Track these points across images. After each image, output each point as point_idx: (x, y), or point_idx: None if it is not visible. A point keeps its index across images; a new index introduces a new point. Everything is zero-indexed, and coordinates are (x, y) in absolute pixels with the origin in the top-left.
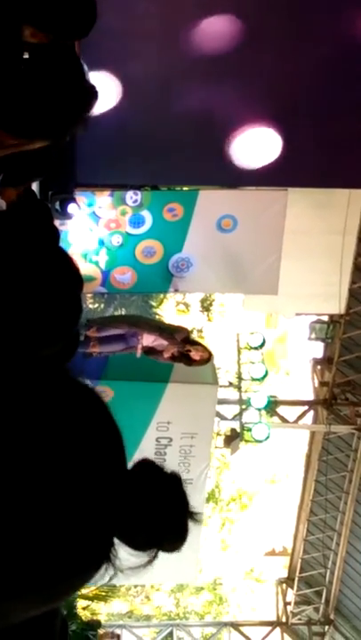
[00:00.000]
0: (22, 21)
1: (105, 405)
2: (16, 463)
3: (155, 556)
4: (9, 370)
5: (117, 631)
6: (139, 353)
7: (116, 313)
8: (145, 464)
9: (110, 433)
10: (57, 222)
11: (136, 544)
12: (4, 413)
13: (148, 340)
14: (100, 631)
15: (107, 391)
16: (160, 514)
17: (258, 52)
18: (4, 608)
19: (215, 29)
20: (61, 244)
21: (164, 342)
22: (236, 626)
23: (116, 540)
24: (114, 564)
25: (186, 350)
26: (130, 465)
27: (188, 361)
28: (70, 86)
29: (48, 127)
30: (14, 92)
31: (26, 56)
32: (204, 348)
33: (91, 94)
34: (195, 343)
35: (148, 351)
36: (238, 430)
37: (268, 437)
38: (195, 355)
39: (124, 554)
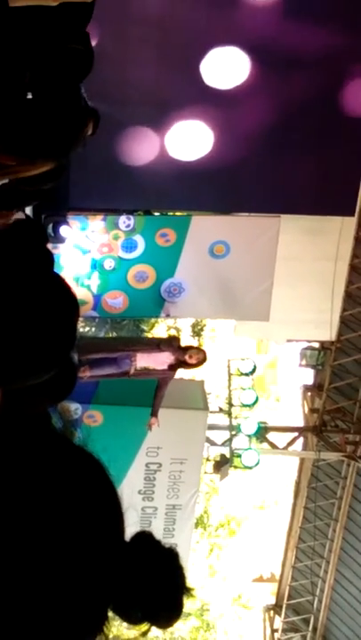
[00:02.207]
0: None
1: (104, 470)
2: (10, 533)
3: (148, 630)
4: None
5: None
6: (131, 373)
7: (107, 337)
8: (143, 537)
9: (109, 501)
10: (49, 245)
11: (131, 619)
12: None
13: (141, 360)
14: None
15: (96, 415)
16: (157, 590)
17: (254, 86)
18: None
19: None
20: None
21: (161, 355)
22: None
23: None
24: (107, 637)
25: (184, 357)
26: (128, 536)
27: (187, 366)
28: (69, 107)
29: (49, 146)
30: (17, 114)
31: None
32: (199, 350)
33: (88, 114)
34: (189, 348)
35: (141, 373)
36: (228, 456)
37: (257, 464)
38: (192, 359)
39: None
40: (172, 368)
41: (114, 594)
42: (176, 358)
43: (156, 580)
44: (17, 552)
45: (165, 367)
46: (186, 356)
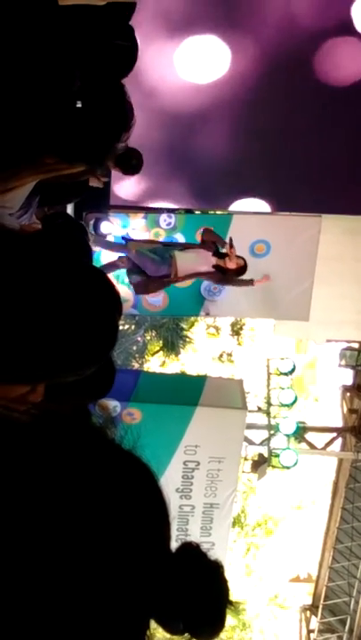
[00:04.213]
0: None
1: (153, 476)
2: (50, 536)
3: None
4: (50, 433)
5: None
6: (172, 278)
7: (146, 335)
8: (189, 549)
9: (157, 508)
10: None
11: (173, 630)
12: (45, 485)
13: (181, 260)
14: None
15: (135, 413)
16: (200, 604)
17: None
18: None
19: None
20: (94, 264)
21: (202, 254)
22: None
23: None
24: None
25: (223, 262)
26: (173, 547)
27: (227, 271)
28: (115, 115)
29: (91, 153)
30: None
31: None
32: (238, 256)
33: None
34: (226, 255)
35: (184, 276)
36: (266, 456)
37: (295, 464)
38: (231, 264)
39: None
40: (218, 270)
41: (157, 604)
42: (217, 262)
43: (200, 594)
44: (59, 558)
45: (209, 268)
46: (226, 261)
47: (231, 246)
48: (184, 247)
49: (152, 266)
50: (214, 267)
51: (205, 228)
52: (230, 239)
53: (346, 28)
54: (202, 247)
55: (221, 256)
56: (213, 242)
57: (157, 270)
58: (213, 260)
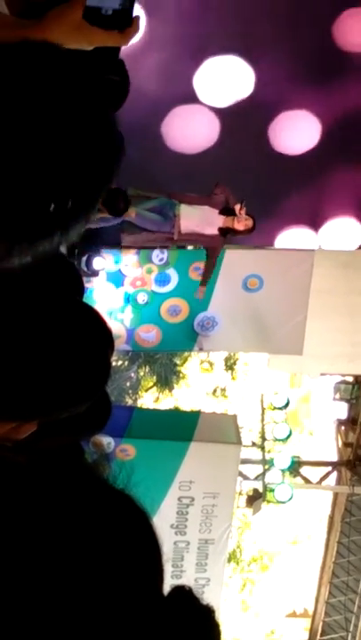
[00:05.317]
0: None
1: (146, 516)
2: (36, 577)
3: None
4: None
5: None
6: (176, 238)
7: (140, 371)
8: (181, 592)
9: (150, 550)
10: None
11: None
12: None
13: (186, 220)
14: None
15: (129, 449)
16: None
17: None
18: None
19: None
20: (87, 301)
21: (209, 214)
22: None
23: None
24: None
25: (232, 223)
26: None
27: (235, 232)
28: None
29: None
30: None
31: None
32: (248, 217)
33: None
34: (232, 213)
35: (188, 237)
36: (261, 490)
37: (290, 498)
38: (239, 225)
39: None
40: (222, 233)
41: None
42: (224, 222)
43: (191, 638)
44: (49, 602)
45: (215, 231)
46: (234, 221)
47: (242, 207)
48: (189, 200)
49: (154, 226)
50: (220, 229)
51: (219, 183)
52: (243, 200)
53: (190, 96)
54: (209, 202)
55: (230, 213)
56: (226, 198)
57: (160, 229)
58: (219, 222)
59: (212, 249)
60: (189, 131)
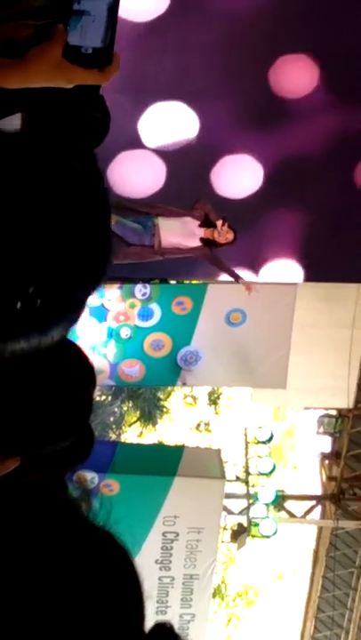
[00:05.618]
0: None
1: (127, 554)
2: (15, 620)
3: None
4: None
5: None
6: (157, 248)
7: (123, 405)
8: (162, 629)
9: (130, 590)
10: None
11: None
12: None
13: (167, 232)
14: None
15: (113, 485)
16: None
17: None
18: None
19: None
20: (70, 336)
21: (189, 225)
22: None
23: None
24: None
25: (212, 235)
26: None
27: (215, 245)
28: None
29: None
30: None
31: None
32: (228, 229)
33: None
34: (217, 226)
35: (171, 250)
36: (245, 525)
37: (275, 533)
38: (220, 238)
39: None
40: (205, 244)
41: None
42: (205, 233)
43: None
44: None
45: (197, 243)
46: (214, 233)
47: (224, 223)
48: (169, 213)
49: (134, 236)
50: (202, 240)
51: (200, 199)
52: (225, 216)
53: (135, 141)
54: (189, 215)
55: (210, 226)
56: (206, 213)
57: (140, 240)
58: (200, 233)
59: (206, 258)
60: (135, 176)
